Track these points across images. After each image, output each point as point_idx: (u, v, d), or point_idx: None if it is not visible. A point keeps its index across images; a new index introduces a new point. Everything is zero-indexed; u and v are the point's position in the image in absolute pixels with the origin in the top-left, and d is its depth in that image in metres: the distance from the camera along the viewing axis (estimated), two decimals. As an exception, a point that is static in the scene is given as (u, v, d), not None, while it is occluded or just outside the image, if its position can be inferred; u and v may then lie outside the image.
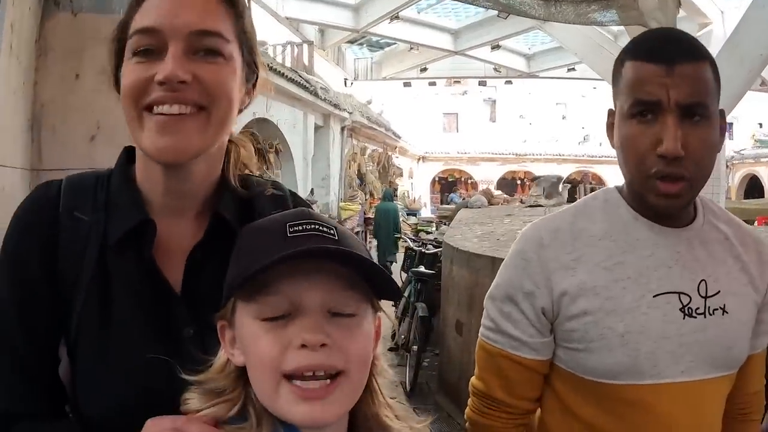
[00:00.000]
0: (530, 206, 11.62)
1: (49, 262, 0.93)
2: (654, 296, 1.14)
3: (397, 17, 17.88)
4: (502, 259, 1.27)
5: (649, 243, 1.17)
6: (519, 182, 32.67)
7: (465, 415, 1.32)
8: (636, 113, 1.10)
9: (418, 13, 19.34)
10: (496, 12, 15.55)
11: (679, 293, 1.14)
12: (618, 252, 1.17)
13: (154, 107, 0.89)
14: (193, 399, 0.81)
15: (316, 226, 0.79)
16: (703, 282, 1.16)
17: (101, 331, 0.91)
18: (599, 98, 27.31)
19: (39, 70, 2.32)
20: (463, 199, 22.90)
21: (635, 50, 1.13)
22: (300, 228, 0.79)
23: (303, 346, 0.75)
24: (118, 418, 0.86)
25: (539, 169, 31.44)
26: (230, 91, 0.94)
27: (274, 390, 0.77)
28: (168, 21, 0.89)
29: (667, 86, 1.07)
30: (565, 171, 30.34)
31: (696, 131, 1.07)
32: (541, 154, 31.97)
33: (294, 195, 1.13)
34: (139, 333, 0.92)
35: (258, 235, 0.82)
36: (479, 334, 1.28)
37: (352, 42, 22.33)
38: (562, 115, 32.87)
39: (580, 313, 1.15)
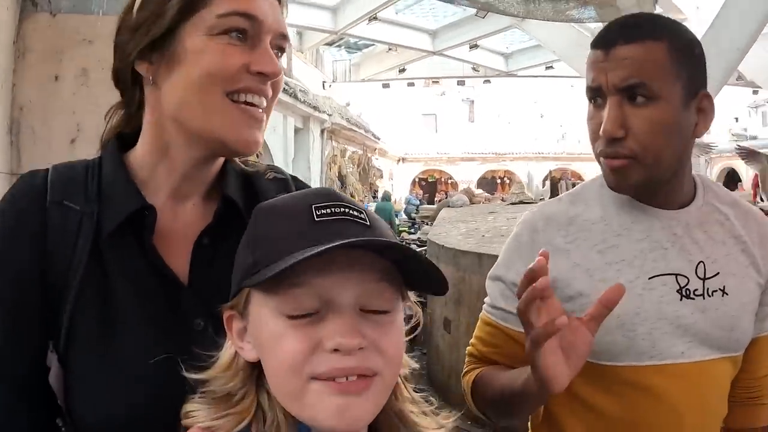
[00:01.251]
0: (512, 203, 11.69)
1: (38, 256, 0.85)
2: (649, 278, 1.14)
3: (375, 18, 17.85)
4: (489, 255, 1.30)
5: (643, 226, 1.18)
6: (499, 181, 32.83)
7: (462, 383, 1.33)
8: (590, 99, 1.15)
9: (396, 14, 19.34)
10: (474, 11, 15.61)
11: (676, 275, 1.15)
12: (612, 235, 1.18)
13: (240, 95, 0.87)
14: (198, 411, 0.71)
15: (346, 209, 0.70)
16: (702, 263, 1.16)
17: (101, 331, 0.83)
18: (576, 96, 27.50)
19: (17, 72, 2.27)
20: (420, 201, 22.92)
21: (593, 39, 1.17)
22: (328, 211, 0.69)
23: (336, 350, 0.66)
24: (125, 429, 0.80)
25: (519, 168, 31.65)
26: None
27: (299, 392, 0.67)
28: (267, 16, 0.88)
29: (606, 70, 1.10)
30: (544, 169, 30.53)
31: (639, 112, 1.09)
32: (520, 153, 32.14)
33: (295, 179, 1.07)
34: (144, 330, 0.85)
35: (279, 217, 0.71)
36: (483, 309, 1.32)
37: (330, 44, 22.29)
38: (540, 114, 33.07)
39: (575, 295, 1.15)
